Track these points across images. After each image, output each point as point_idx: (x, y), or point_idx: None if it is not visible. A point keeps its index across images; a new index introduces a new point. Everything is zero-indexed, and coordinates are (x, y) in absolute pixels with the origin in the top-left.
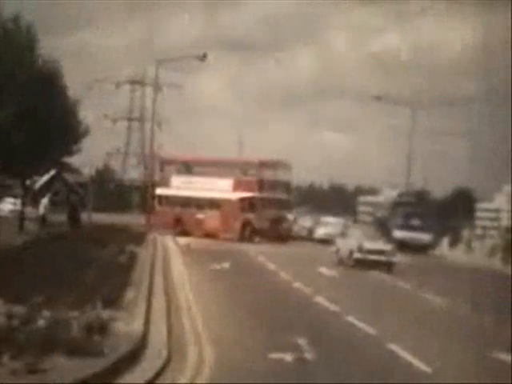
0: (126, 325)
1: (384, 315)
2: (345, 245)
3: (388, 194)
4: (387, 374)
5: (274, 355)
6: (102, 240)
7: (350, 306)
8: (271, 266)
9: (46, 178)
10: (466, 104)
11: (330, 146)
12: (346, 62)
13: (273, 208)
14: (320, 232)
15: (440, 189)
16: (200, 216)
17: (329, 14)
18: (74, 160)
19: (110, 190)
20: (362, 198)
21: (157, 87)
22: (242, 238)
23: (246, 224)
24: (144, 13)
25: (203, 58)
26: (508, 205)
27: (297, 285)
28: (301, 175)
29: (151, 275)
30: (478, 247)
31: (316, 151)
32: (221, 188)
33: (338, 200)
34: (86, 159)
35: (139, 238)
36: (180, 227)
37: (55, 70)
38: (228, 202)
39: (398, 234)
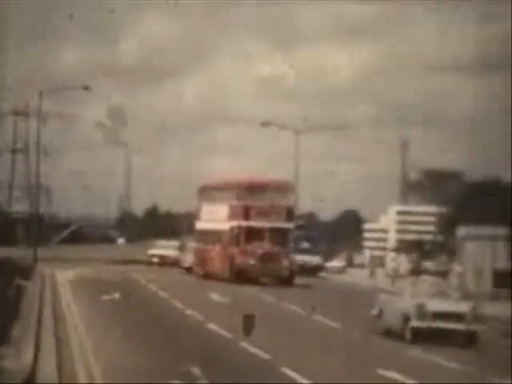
0: (14, 361)
1: (280, 340)
2: (393, 305)
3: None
4: None
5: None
6: None
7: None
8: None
9: None
10: (353, 128)
11: (216, 172)
12: (234, 88)
13: (264, 240)
14: None
15: (328, 210)
16: (212, 253)
17: (217, 40)
18: None
19: None
20: None
21: (40, 118)
22: (231, 278)
23: (231, 261)
24: (30, 43)
25: (87, 88)
26: (394, 225)
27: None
28: (189, 202)
29: (40, 308)
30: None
31: (202, 178)
32: (219, 217)
33: None
34: None
35: (27, 271)
36: (203, 267)
37: None
38: (223, 233)
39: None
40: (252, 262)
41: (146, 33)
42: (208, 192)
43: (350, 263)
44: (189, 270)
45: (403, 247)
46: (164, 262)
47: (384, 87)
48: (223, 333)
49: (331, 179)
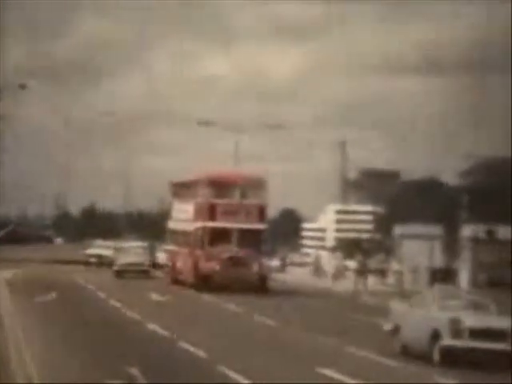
0: None
1: (216, 338)
2: (416, 319)
3: None
4: None
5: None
6: None
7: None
8: None
9: None
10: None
11: (156, 172)
12: (173, 88)
13: (232, 243)
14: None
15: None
16: (180, 256)
17: (155, 41)
18: None
19: None
20: None
21: None
22: (195, 285)
23: (195, 266)
24: None
25: (23, 86)
26: (332, 224)
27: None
28: (131, 202)
29: None
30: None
31: (142, 177)
32: (187, 216)
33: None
34: None
35: None
36: (173, 272)
37: None
38: (190, 235)
39: None
40: (217, 267)
41: (84, 33)
42: (178, 189)
43: (285, 262)
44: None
45: (341, 246)
46: (101, 262)
47: (324, 87)
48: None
49: (271, 178)
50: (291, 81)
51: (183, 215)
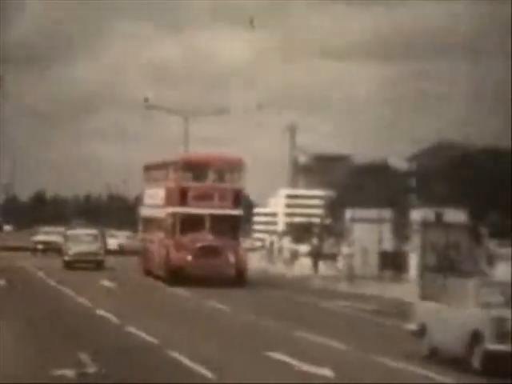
0: None
1: (165, 322)
2: (448, 318)
3: None
4: (169, 379)
5: (57, 372)
6: None
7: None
8: None
9: None
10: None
11: (104, 157)
12: (122, 73)
13: (205, 230)
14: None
15: None
16: (153, 245)
17: (105, 25)
18: None
19: None
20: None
21: None
22: (166, 278)
23: (166, 256)
24: None
25: None
26: (283, 208)
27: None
28: (77, 187)
29: None
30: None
31: (90, 163)
32: (159, 202)
33: (119, 210)
34: None
35: None
36: (145, 262)
37: None
38: (161, 222)
39: None
40: (189, 257)
41: (32, 18)
42: (149, 172)
43: None
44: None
45: (292, 231)
46: (48, 248)
47: (274, 72)
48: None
49: None
50: (241, 65)
51: (154, 201)
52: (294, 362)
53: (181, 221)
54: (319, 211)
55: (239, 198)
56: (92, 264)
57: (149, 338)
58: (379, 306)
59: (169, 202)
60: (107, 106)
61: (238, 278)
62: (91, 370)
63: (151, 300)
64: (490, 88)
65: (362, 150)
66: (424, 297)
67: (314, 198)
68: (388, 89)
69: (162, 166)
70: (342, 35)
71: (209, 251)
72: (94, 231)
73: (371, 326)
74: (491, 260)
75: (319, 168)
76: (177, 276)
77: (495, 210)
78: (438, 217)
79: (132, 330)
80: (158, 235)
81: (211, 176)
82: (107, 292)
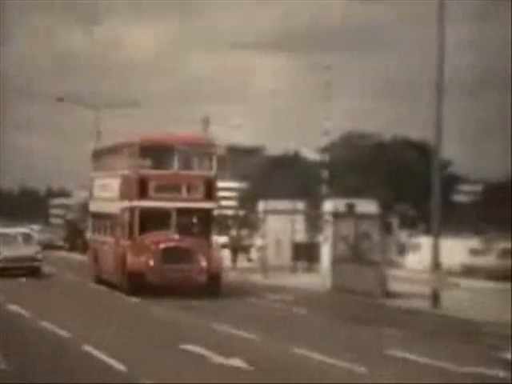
0: None
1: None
2: None
3: (78, 196)
4: (85, 373)
5: None
6: None
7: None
8: None
9: None
10: (152, 104)
11: (19, 149)
12: (32, 64)
13: (170, 228)
14: None
15: None
16: (104, 247)
17: (13, 17)
18: None
19: None
20: (54, 201)
21: None
22: (123, 287)
23: (123, 261)
24: None
25: None
26: None
27: None
28: None
29: None
30: None
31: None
32: (111, 194)
33: (29, 204)
34: None
35: None
36: (96, 267)
37: None
38: (115, 219)
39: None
40: (150, 262)
41: None
42: (99, 158)
43: None
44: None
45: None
46: None
47: (182, 63)
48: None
49: None
50: (152, 57)
51: (106, 193)
52: (208, 354)
53: (140, 217)
54: (233, 203)
55: (211, 188)
56: (24, 271)
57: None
58: (295, 296)
59: (124, 194)
60: (18, 99)
61: (211, 287)
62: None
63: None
64: (398, 79)
65: (275, 141)
66: (335, 286)
67: (227, 190)
68: (299, 80)
69: (115, 150)
70: (252, 29)
71: (175, 254)
72: (26, 230)
73: (288, 317)
74: (401, 250)
75: (232, 160)
76: (135, 284)
77: (405, 201)
78: (349, 207)
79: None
80: (112, 235)
81: (177, 161)
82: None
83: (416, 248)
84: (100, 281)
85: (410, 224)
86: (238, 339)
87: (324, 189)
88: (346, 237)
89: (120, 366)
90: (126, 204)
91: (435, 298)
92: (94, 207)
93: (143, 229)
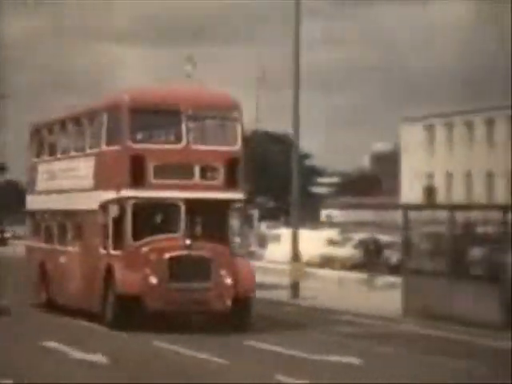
0: None
1: None
2: None
3: None
4: None
5: None
6: None
7: None
8: None
9: None
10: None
11: None
12: None
13: (178, 231)
14: None
15: None
16: (63, 259)
17: None
18: None
19: None
20: None
21: None
22: (106, 318)
23: (107, 279)
24: None
25: None
26: None
27: None
28: None
29: None
30: None
31: None
32: (76, 184)
33: None
34: None
35: None
36: (45, 288)
37: None
38: (84, 218)
39: None
40: (153, 279)
41: None
42: (48, 135)
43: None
44: None
45: None
46: None
47: (47, 56)
48: None
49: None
50: (20, 48)
51: (67, 182)
52: (68, 350)
53: (134, 214)
54: None
55: (236, 171)
56: None
57: None
58: None
59: (105, 181)
60: None
61: (237, 315)
62: None
63: None
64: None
65: None
66: None
67: None
68: (161, 71)
69: (83, 118)
70: (119, 22)
71: (186, 267)
72: None
73: None
74: (262, 241)
75: None
76: (126, 312)
77: (266, 193)
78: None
79: None
80: (80, 241)
81: (186, 131)
82: None
83: (276, 239)
84: (53, 306)
85: (270, 216)
86: (104, 336)
87: None
88: None
89: None
90: (110, 195)
91: (295, 288)
92: (38, 203)
93: (139, 231)
